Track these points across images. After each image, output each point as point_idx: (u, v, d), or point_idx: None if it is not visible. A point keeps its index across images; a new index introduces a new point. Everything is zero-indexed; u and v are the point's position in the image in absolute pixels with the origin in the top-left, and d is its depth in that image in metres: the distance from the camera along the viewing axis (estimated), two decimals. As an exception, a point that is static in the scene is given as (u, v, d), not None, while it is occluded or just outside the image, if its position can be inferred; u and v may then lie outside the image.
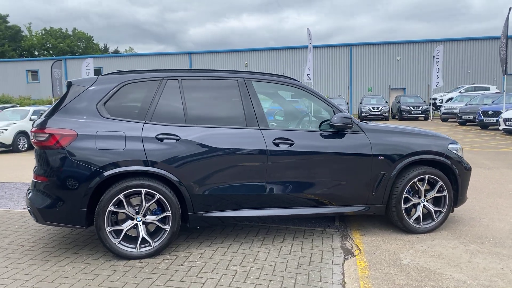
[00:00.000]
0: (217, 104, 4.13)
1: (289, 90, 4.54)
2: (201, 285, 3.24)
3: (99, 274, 3.44)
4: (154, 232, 3.87)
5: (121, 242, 3.72)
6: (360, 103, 28.10)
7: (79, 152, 3.60)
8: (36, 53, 69.80)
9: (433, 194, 4.49)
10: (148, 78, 3.98)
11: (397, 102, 27.27)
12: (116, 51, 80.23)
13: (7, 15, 68.64)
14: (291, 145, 4.06)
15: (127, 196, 3.71)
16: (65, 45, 70.11)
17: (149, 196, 3.75)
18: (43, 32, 73.51)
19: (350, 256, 3.89)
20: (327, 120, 4.33)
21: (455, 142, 4.67)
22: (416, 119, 26.31)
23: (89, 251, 3.97)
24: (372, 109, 26.18)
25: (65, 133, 3.62)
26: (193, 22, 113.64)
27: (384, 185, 4.29)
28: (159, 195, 3.73)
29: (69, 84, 3.95)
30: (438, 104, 27.24)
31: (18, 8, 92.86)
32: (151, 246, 3.76)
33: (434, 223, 4.49)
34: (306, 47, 35.75)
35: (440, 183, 4.44)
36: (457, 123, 21.54)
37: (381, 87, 35.50)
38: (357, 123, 4.34)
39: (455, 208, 4.78)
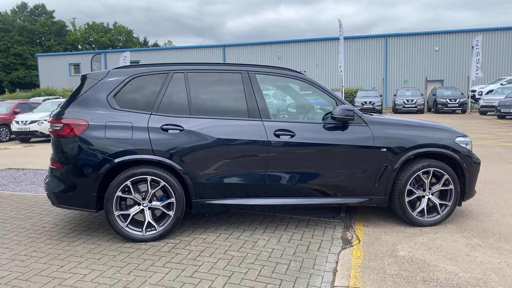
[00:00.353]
0: (221, 96, 4.28)
1: (293, 82, 4.63)
2: (197, 267, 3.44)
3: (106, 254, 3.71)
4: (160, 217, 4.10)
5: (129, 225, 3.97)
6: (394, 95, 27.48)
7: (90, 141, 3.87)
8: (80, 47, 72.64)
9: (438, 187, 4.46)
10: (155, 72, 4.19)
11: (433, 95, 26.45)
12: (155, 44, 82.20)
13: (53, 11, 71.82)
14: (292, 136, 4.16)
15: (134, 183, 3.96)
16: (106, 39, 72.49)
17: (155, 183, 3.98)
18: (86, 26, 76.35)
19: (348, 246, 3.97)
20: (330, 113, 4.39)
21: (463, 135, 4.60)
22: (453, 112, 25.48)
23: (101, 234, 4.26)
24: (406, 102, 25.54)
25: (77, 123, 3.89)
26: (231, 15, 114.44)
27: (387, 177, 4.32)
28: (164, 183, 3.94)
29: (83, 77, 4.22)
30: (477, 96, 26.18)
31: (64, 4, 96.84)
32: (156, 230, 4.00)
33: (439, 216, 4.47)
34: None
35: (446, 176, 4.41)
36: (496, 117, 20.69)
37: (417, 79, 34.49)
38: (360, 115, 4.37)
39: (462, 202, 4.73)
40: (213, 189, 4.09)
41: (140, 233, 3.98)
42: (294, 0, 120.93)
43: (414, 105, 25.42)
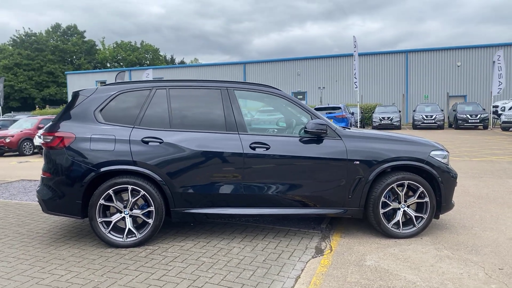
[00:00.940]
0: (200, 111, 4.54)
1: (270, 98, 4.84)
2: (166, 271, 3.65)
3: (86, 258, 3.97)
4: (141, 225, 4.35)
5: (111, 232, 4.23)
6: (414, 111, 27.18)
7: (76, 152, 4.19)
8: (108, 65, 75.27)
9: (413, 200, 4.55)
10: (140, 88, 4.50)
11: (454, 110, 26.04)
12: (182, 62, 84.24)
13: (84, 31, 74.94)
14: (267, 149, 4.36)
15: (116, 192, 4.23)
16: (134, 57, 74.86)
17: (135, 192, 4.24)
18: (115, 45, 79.23)
19: (319, 255, 4.09)
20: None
21: (440, 149, 4.69)
22: (475, 128, 24.98)
23: (88, 240, 4.54)
24: (425, 118, 25.22)
25: (65, 135, 4.22)
26: (258, 32, 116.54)
27: (361, 189, 4.44)
28: (144, 192, 4.20)
29: (75, 94, 4.57)
30: (499, 112, 25.60)
31: (96, 24, 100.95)
32: (136, 237, 4.24)
33: (415, 228, 4.54)
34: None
35: (421, 189, 4.49)
36: (517, 133, 20.19)
37: (439, 94, 34.01)
38: (334, 129, 4.53)
39: (441, 215, 4.78)
40: (191, 198, 4.31)
41: (121, 239, 4.23)
42: (321, 17, 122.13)
43: (433, 121, 25.07)
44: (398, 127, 25.95)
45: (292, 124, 5.07)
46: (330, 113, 18.14)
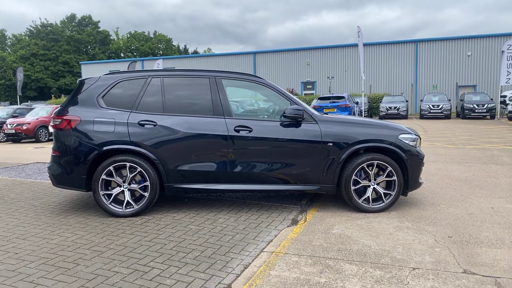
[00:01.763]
0: (190, 97, 5.09)
1: (255, 87, 5.36)
2: (157, 235, 4.24)
3: (90, 225, 4.59)
4: (138, 198, 4.94)
5: (111, 203, 4.84)
6: (421, 100, 27.33)
7: (81, 133, 4.78)
8: (122, 55, 76.32)
9: (382, 178, 5.04)
10: (137, 77, 5.06)
11: (461, 100, 26.12)
12: (195, 52, 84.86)
13: (99, 21, 75.99)
14: (250, 131, 4.89)
15: (116, 169, 4.82)
16: (147, 47, 75.70)
17: (133, 169, 4.82)
18: (128, 35, 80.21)
19: (293, 225, 4.63)
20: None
21: (408, 133, 5.15)
22: (483, 118, 25.05)
23: (92, 211, 5.16)
24: (431, 107, 25.39)
25: (72, 118, 4.82)
26: (273, 22, 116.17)
27: (334, 168, 4.95)
28: (140, 169, 4.79)
29: (81, 82, 5.16)
30: (508, 102, 25.60)
31: (111, 13, 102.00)
32: (133, 208, 4.84)
33: (383, 204, 5.04)
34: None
35: (389, 168, 4.98)
36: (523, 122, 20.30)
37: (448, 84, 33.97)
38: (311, 114, 5.03)
39: (408, 193, 5.27)
40: (182, 175, 4.88)
41: (120, 210, 4.83)
42: (337, 6, 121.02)
43: (440, 111, 25.23)
44: (404, 117, 26.17)
45: (275, 110, 5.58)
46: (333, 102, 18.54)
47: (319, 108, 18.18)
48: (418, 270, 3.35)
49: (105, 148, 4.75)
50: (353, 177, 4.98)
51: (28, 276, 3.28)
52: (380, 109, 26.53)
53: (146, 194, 4.85)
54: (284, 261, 3.58)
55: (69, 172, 4.84)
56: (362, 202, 5.03)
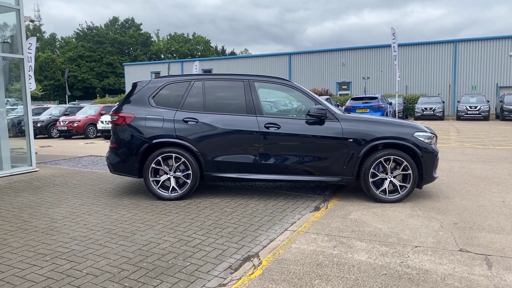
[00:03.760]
0: (227, 98, 5.82)
1: (284, 89, 6.03)
2: (198, 215, 5.00)
3: (141, 205, 5.42)
4: (182, 184, 5.73)
5: (159, 188, 5.65)
6: (458, 101, 27.00)
7: (135, 128, 5.62)
8: (162, 56, 78.95)
9: (398, 172, 5.58)
10: (182, 80, 5.86)
11: (500, 101, 25.61)
12: (232, 53, 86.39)
13: (141, 24, 79.03)
14: (278, 128, 5.57)
15: (164, 159, 5.63)
16: (186, 48, 77.90)
17: (178, 159, 5.61)
18: (168, 37, 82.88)
19: (315, 211, 5.27)
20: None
21: (423, 131, 5.65)
22: (523, 119, 24.48)
23: (143, 195, 6.01)
24: (468, 108, 25.09)
25: (127, 115, 5.67)
26: (312, 21, 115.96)
27: (353, 162, 5.54)
28: (184, 159, 5.57)
29: (135, 84, 6.01)
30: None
31: (153, 16, 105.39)
32: (178, 192, 5.64)
33: (399, 195, 5.58)
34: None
35: (405, 163, 5.51)
36: None
37: (488, 85, 33.17)
38: (333, 113, 5.64)
39: (423, 186, 5.76)
40: (219, 165, 5.63)
41: (167, 194, 5.64)
42: (379, 4, 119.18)
43: (477, 112, 24.88)
44: (441, 118, 25.97)
45: (302, 109, 6.23)
46: (366, 102, 18.88)
47: (351, 108, 18.58)
48: (419, 248, 3.91)
49: (154, 141, 5.57)
50: (372, 170, 5.55)
51: (96, 241, 4.11)
52: (416, 110, 26.45)
53: (189, 181, 5.62)
54: (304, 237, 4.23)
55: (125, 161, 5.70)
56: (379, 193, 5.58)
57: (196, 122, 5.61)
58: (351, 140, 5.51)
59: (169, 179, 5.67)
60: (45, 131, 20.08)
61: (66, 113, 21.18)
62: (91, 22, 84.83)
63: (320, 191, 6.29)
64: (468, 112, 25.07)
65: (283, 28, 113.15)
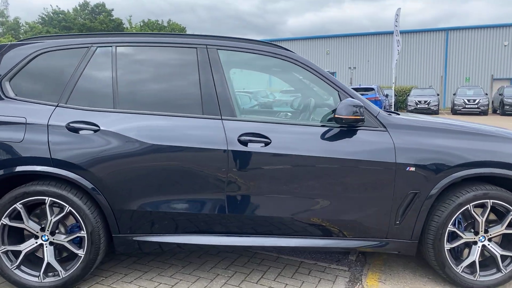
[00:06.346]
0: (163, 82, 2.93)
1: (279, 65, 3.19)
2: None
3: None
4: (70, 258, 2.83)
5: (20, 267, 2.73)
6: (454, 94, 24.80)
7: (-35, 143, 2.67)
8: (135, 44, 74.56)
9: (500, 229, 2.84)
10: (70, 45, 2.91)
11: (500, 94, 23.45)
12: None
13: (112, 9, 74.18)
14: (266, 144, 2.72)
15: (29, 207, 2.72)
16: (159, 36, 73.91)
17: (57, 208, 2.71)
18: (142, 24, 78.23)
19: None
20: (334, 110, 2.87)
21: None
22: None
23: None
24: (467, 102, 22.85)
25: None
26: (293, 12, 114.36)
27: (416, 211, 2.77)
28: (70, 207, 2.67)
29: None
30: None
31: (130, 2, 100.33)
32: (60, 276, 2.73)
33: (500, 274, 2.85)
34: (392, 33, 32.76)
35: (513, 213, 2.78)
36: None
37: (482, 77, 31.11)
38: (376, 115, 2.84)
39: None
40: (145, 219, 2.76)
41: (36, 279, 2.72)
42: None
43: (476, 106, 22.67)
44: (435, 112, 23.73)
45: (309, 105, 3.40)
46: (361, 94, 16.21)
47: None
48: None
49: (4, 171, 2.64)
50: (449, 227, 2.79)
51: None
52: (408, 103, 24.15)
53: (81, 252, 2.72)
54: None
55: None
56: (462, 271, 2.84)
57: (96, 130, 2.70)
58: (413, 168, 2.72)
59: (41, 246, 2.76)
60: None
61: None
62: (57, 6, 78.97)
63: (340, 256, 3.49)
64: (466, 106, 22.80)
65: (264, 18, 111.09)
